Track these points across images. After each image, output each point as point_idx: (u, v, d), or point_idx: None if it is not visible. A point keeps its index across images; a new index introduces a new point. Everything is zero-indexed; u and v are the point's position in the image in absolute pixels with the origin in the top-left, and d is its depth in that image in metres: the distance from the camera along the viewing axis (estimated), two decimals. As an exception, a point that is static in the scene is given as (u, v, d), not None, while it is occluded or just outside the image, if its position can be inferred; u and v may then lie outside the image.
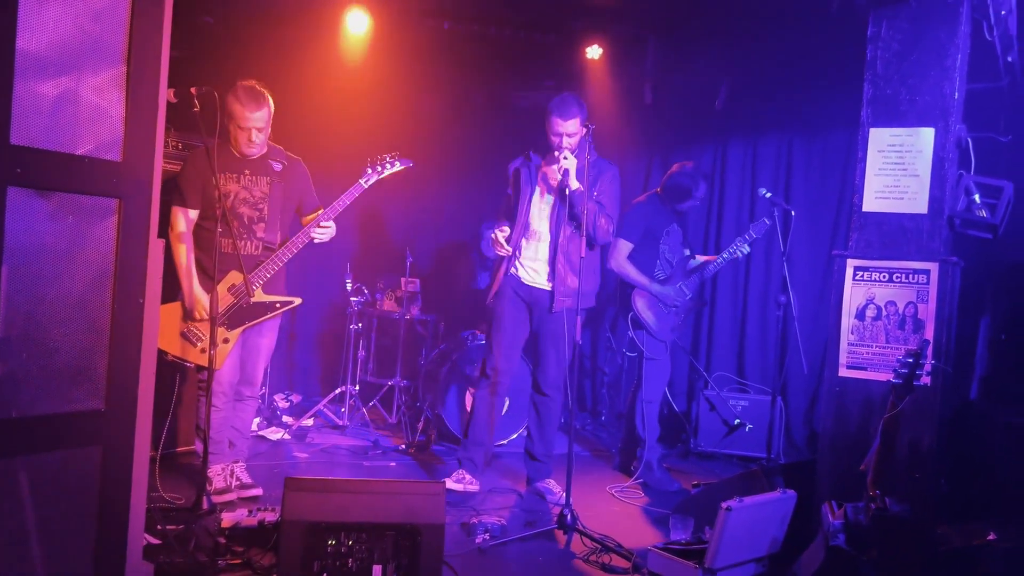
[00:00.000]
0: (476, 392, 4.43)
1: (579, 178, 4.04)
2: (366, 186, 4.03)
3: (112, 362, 2.22)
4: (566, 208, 4.15)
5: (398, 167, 4.11)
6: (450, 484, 4.25)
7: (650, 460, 4.82)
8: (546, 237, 4.29)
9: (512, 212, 4.36)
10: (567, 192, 4.06)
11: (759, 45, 5.64)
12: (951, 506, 3.79)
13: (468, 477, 4.36)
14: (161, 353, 3.73)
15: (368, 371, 6.19)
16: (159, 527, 3.27)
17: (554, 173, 4.16)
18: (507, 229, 4.26)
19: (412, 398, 5.89)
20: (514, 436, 5.47)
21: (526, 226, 4.30)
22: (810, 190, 6.09)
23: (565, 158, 4.04)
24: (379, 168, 4.06)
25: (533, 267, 4.31)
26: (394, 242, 7.14)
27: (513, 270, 4.33)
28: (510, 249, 4.25)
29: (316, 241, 3.99)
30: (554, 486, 4.37)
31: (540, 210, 4.31)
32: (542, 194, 4.31)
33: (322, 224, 3.95)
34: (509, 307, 4.35)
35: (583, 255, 3.82)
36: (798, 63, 5.63)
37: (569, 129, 4.12)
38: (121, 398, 2.25)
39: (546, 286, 4.29)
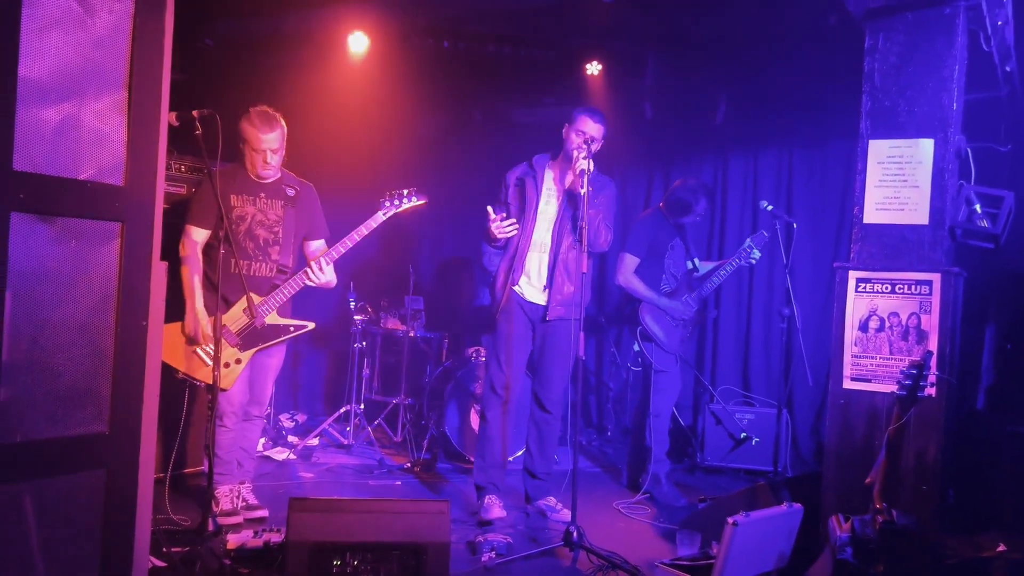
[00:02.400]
0: (488, 413, 4.27)
1: (603, 192, 4.16)
2: (384, 218, 4.07)
3: (116, 385, 2.22)
4: (571, 212, 4.16)
5: (415, 202, 4.13)
6: (497, 513, 4.14)
7: (658, 473, 4.81)
8: (547, 247, 4.23)
9: (516, 222, 4.23)
10: (578, 194, 4.03)
11: (758, 59, 5.67)
12: (959, 517, 3.76)
13: (499, 502, 4.24)
14: (171, 370, 3.76)
15: (373, 390, 6.19)
16: (165, 549, 3.27)
17: (574, 174, 4.05)
18: (498, 219, 4.11)
19: (417, 416, 5.88)
20: (519, 453, 5.45)
21: (530, 237, 4.22)
22: (811, 202, 6.09)
23: (585, 158, 3.98)
24: (396, 202, 4.09)
25: (535, 282, 4.23)
26: (397, 260, 7.15)
27: (517, 288, 4.23)
28: (514, 225, 4.13)
29: (314, 283, 4.00)
30: (555, 503, 4.34)
31: (544, 219, 4.24)
32: (548, 201, 4.25)
33: (322, 261, 3.98)
34: (516, 325, 4.25)
35: (584, 269, 3.81)
36: (797, 76, 5.65)
37: (596, 133, 4.14)
38: (125, 421, 2.25)
39: (542, 302, 4.23)
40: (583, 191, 3.95)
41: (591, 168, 3.95)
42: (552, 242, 4.22)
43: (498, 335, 4.29)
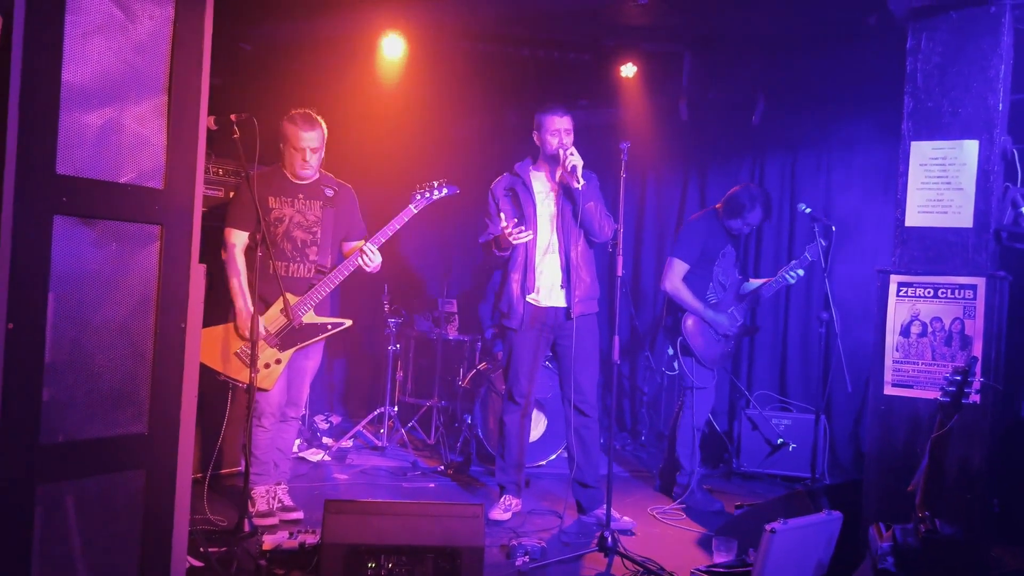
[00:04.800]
0: (506, 417, 4.35)
1: (591, 183, 4.17)
2: (416, 211, 4.09)
3: (155, 386, 2.25)
4: (571, 208, 4.19)
5: (445, 193, 4.16)
6: (499, 515, 4.22)
7: (690, 484, 4.73)
8: (556, 247, 4.25)
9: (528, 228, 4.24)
10: (573, 189, 4.09)
11: (796, 59, 5.60)
12: (1004, 527, 3.68)
13: (514, 501, 4.34)
14: (213, 372, 3.80)
15: (406, 392, 6.21)
16: (202, 549, 3.30)
17: (566, 170, 4.08)
18: (509, 225, 4.12)
19: (450, 419, 5.89)
20: (552, 457, 5.44)
21: (536, 240, 4.24)
22: (851, 205, 5.99)
23: (572, 154, 4.06)
24: (428, 194, 4.12)
25: (548, 284, 4.24)
26: (431, 263, 7.17)
27: (531, 297, 4.24)
28: (530, 233, 4.16)
29: (367, 268, 4.03)
30: (615, 514, 4.12)
31: (546, 220, 4.26)
32: (544, 203, 4.28)
33: (368, 254, 3.99)
34: (530, 337, 4.28)
35: (620, 272, 3.81)
36: (836, 76, 5.57)
37: (566, 125, 4.19)
38: (164, 422, 2.28)
39: (562, 303, 4.24)
40: (578, 185, 4.04)
41: (581, 162, 4.05)
42: (560, 240, 4.25)
43: (516, 346, 4.30)
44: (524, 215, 4.24)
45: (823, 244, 4.66)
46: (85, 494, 2.13)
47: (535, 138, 4.30)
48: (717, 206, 4.89)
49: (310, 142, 3.93)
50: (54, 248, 1.99)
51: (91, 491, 2.14)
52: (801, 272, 4.75)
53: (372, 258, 4.02)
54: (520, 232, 4.10)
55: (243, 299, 3.85)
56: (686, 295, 4.68)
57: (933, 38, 3.44)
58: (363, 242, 4.12)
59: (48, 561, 2.05)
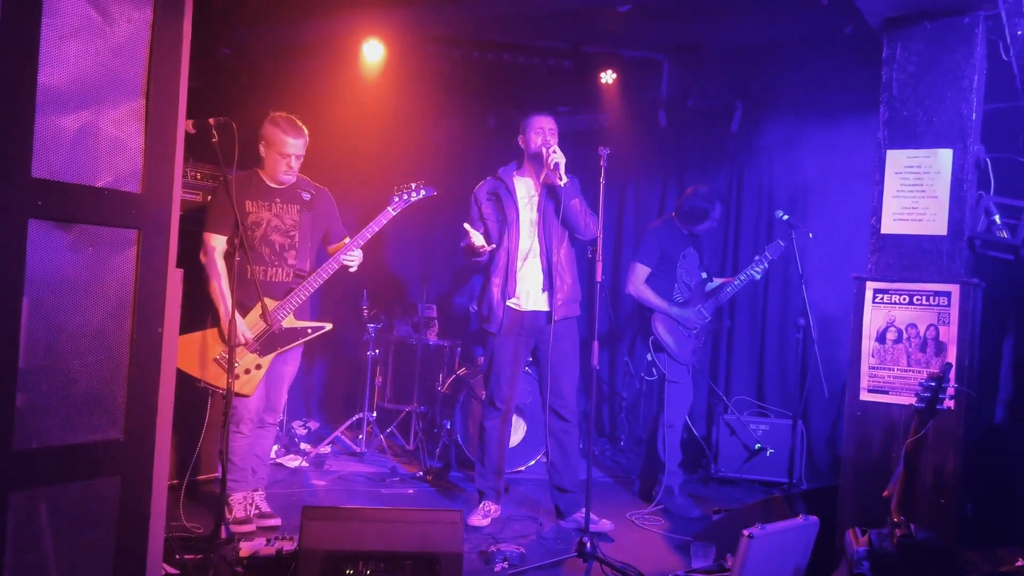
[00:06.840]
0: (487, 423, 4.35)
1: (572, 184, 4.19)
2: (394, 213, 4.10)
3: (131, 392, 2.22)
4: (553, 210, 4.21)
5: (423, 194, 4.17)
6: (478, 521, 4.21)
7: (671, 486, 4.77)
8: (538, 251, 4.26)
9: (499, 237, 4.30)
10: (557, 187, 4.13)
11: (774, 67, 5.66)
12: (978, 531, 3.72)
13: (493, 507, 4.33)
14: (193, 379, 3.77)
15: (385, 397, 6.18)
16: (178, 557, 3.27)
17: (549, 167, 4.09)
18: (480, 237, 4.22)
19: (429, 424, 5.87)
20: (532, 462, 5.44)
21: (518, 245, 4.25)
22: (828, 212, 6.05)
23: (555, 152, 4.09)
24: (405, 196, 4.12)
25: (529, 288, 4.25)
26: (411, 268, 7.16)
27: (511, 301, 4.25)
28: (488, 246, 4.22)
29: (349, 268, 4.03)
30: (593, 516, 4.10)
31: (528, 225, 4.28)
32: (526, 207, 4.29)
33: (350, 253, 3.99)
34: (511, 342, 4.29)
35: (599, 278, 3.81)
36: (813, 85, 5.63)
37: (550, 125, 4.24)
38: (140, 428, 2.25)
39: (544, 307, 4.26)
40: (562, 182, 4.08)
41: (564, 159, 4.08)
42: (542, 245, 4.26)
43: (497, 351, 4.32)
44: (506, 219, 4.25)
45: (782, 245, 4.82)
46: (59, 501, 2.10)
47: (520, 141, 4.31)
48: (673, 213, 5.06)
49: (297, 149, 3.93)
50: (29, 252, 1.96)
51: (65, 498, 2.12)
52: (765, 265, 4.90)
53: (353, 262, 4.03)
54: (482, 246, 4.19)
55: (225, 303, 3.82)
56: (649, 295, 4.80)
57: (908, 48, 3.48)
58: (346, 241, 4.11)
59: (20, 569, 2.02)
